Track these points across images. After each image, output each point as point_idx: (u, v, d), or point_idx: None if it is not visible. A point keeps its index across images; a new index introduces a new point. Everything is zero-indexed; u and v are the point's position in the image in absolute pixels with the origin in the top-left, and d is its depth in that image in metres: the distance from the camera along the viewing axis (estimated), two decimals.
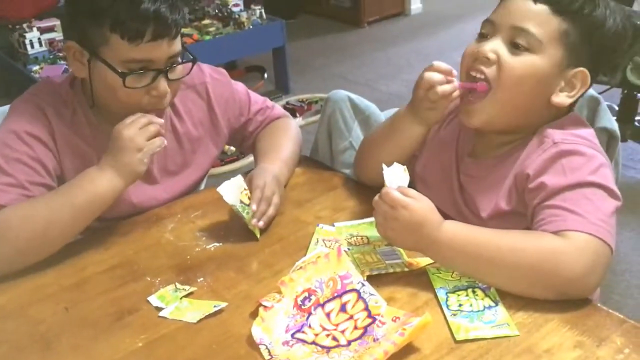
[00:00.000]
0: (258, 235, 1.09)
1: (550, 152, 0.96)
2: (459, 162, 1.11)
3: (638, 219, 2.28)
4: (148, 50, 1.02)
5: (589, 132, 1.01)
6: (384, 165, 0.96)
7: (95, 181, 1.02)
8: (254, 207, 1.08)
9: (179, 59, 1.09)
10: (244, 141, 1.33)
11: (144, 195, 1.17)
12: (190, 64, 1.13)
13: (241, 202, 1.08)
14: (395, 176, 0.95)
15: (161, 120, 1.05)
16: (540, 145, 0.99)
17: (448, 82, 1.01)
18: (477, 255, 0.91)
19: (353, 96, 1.28)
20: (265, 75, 3.70)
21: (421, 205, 0.92)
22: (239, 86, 1.31)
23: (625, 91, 2.49)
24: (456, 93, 1.02)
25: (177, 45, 1.07)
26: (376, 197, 0.95)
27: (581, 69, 0.98)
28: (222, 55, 3.23)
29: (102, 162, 1.04)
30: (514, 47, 0.98)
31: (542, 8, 0.97)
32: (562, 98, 0.99)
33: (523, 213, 0.99)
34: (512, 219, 1.00)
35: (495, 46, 0.98)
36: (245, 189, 1.10)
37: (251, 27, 3.37)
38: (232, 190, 1.08)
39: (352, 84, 3.59)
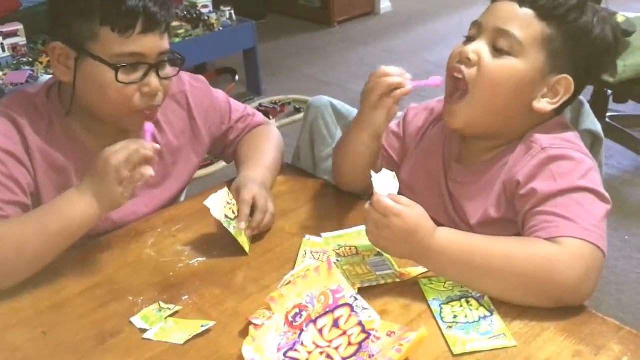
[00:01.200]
0: (247, 249, 1.06)
1: (539, 158, 0.95)
2: (446, 168, 1.09)
3: (612, 215, 2.31)
4: (139, 43, 1.00)
5: (574, 135, 1.01)
6: (372, 172, 0.94)
7: (74, 205, 0.97)
8: (242, 225, 1.04)
9: (170, 67, 1.07)
10: (225, 149, 1.30)
11: (124, 211, 1.12)
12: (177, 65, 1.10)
13: (226, 216, 1.05)
14: (385, 183, 0.93)
15: (155, 146, 1.00)
16: (528, 151, 0.98)
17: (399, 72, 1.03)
18: (470, 262, 0.90)
19: (335, 102, 1.26)
20: (237, 77, 3.65)
21: (414, 213, 0.90)
22: (219, 94, 1.28)
23: (596, 88, 2.52)
24: (407, 89, 1.02)
25: (166, 42, 1.05)
26: (367, 205, 0.93)
27: (565, 75, 0.97)
28: (192, 58, 3.16)
29: (83, 185, 0.98)
30: (496, 50, 0.97)
31: (527, 12, 0.96)
32: (543, 104, 0.99)
33: (512, 220, 0.98)
34: (502, 226, 0.99)
35: (478, 47, 0.98)
36: (229, 202, 1.06)
37: (221, 28, 3.32)
38: (218, 204, 1.05)
39: (325, 85, 3.57)
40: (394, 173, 0.94)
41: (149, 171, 0.97)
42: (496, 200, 1.00)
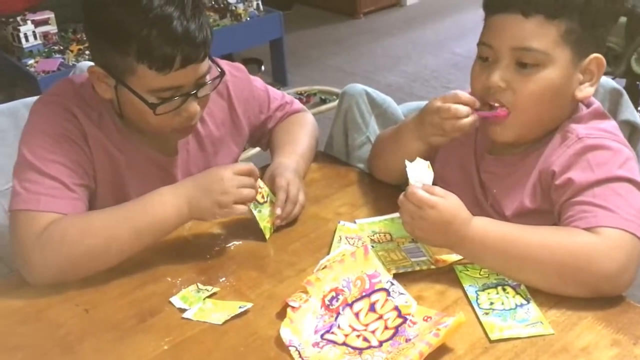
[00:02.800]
0: (267, 236, 1.07)
1: (575, 148, 0.95)
2: (478, 159, 1.09)
3: None
4: (177, 78, 0.97)
5: (612, 125, 1.00)
6: (407, 162, 0.94)
7: (165, 206, 0.98)
8: (278, 211, 1.05)
9: (207, 77, 1.04)
10: (262, 137, 1.31)
11: None
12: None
13: (255, 200, 1.06)
14: (419, 172, 0.93)
15: (262, 186, 1.05)
16: (564, 141, 0.97)
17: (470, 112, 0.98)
18: (507, 251, 0.90)
19: (370, 90, 1.25)
20: (263, 67, 3.66)
21: (449, 203, 0.91)
22: (258, 82, 1.28)
23: (629, 81, 2.49)
24: (468, 123, 0.99)
25: (205, 66, 1.02)
26: (401, 196, 0.93)
27: (595, 55, 0.96)
28: (219, 48, 3.17)
29: (181, 188, 0.99)
30: (522, 67, 0.95)
31: (536, 19, 0.93)
32: (586, 91, 0.98)
33: (548, 211, 0.97)
34: (537, 217, 0.98)
35: (503, 73, 0.96)
36: (260, 188, 1.07)
37: (248, 18, 3.33)
38: None
39: (350, 76, 3.57)
40: (428, 162, 0.94)
41: (245, 210, 1.00)
42: (531, 191, 0.99)
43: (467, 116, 0.98)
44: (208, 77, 1.05)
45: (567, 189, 0.93)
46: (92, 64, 1.07)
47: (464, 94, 1.00)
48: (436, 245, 0.96)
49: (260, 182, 1.08)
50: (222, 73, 1.07)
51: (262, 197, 1.07)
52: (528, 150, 1.02)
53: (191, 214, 1.00)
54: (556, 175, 0.95)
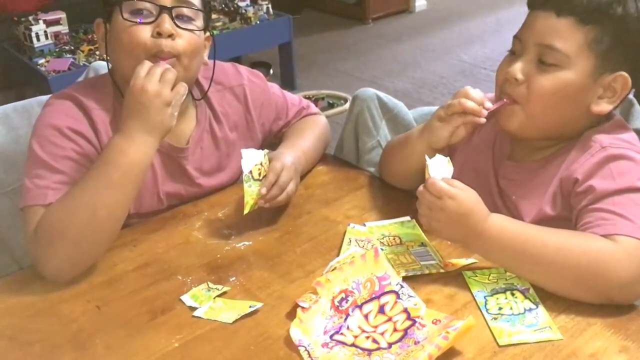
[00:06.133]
0: (245, 211, 1.06)
1: (598, 157, 0.95)
2: (497, 165, 1.09)
3: None
4: None
5: (633, 137, 1.00)
6: (426, 157, 0.95)
7: (126, 152, 0.96)
8: (263, 190, 1.05)
9: (192, 17, 1.07)
10: (278, 143, 1.32)
11: (174, 194, 1.15)
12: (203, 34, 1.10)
13: (251, 172, 1.05)
14: (439, 168, 0.94)
15: (264, 164, 1.05)
16: (587, 150, 0.97)
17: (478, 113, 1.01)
18: (523, 250, 0.90)
19: (381, 94, 1.26)
20: (271, 71, 3.68)
21: (468, 196, 0.91)
22: (275, 89, 1.29)
23: (638, 91, 2.49)
24: (478, 120, 1.01)
25: None
26: (420, 188, 0.94)
27: (621, 73, 0.96)
28: (229, 51, 3.20)
29: (128, 128, 0.97)
30: (542, 64, 0.96)
31: (567, 20, 0.94)
32: (602, 106, 0.98)
33: (568, 218, 0.97)
34: (557, 224, 0.97)
35: (524, 66, 0.97)
36: (262, 164, 1.07)
37: (258, 22, 3.35)
38: (252, 159, 1.06)
39: (358, 81, 3.58)
40: (448, 158, 0.95)
41: (185, 87, 0.99)
42: (552, 198, 0.99)
43: (473, 112, 1.00)
44: (197, 38, 1.07)
45: (588, 195, 0.93)
46: (104, 63, 1.09)
47: (475, 92, 1.01)
48: (452, 239, 0.96)
49: (265, 159, 1.08)
50: (209, 15, 1.11)
51: (259, 174, 1.07)
52: (548, 158, 1.03)
53: (156, 136, 0.98)
54: (579, 182, 0.95)
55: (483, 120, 1.01)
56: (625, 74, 0.96)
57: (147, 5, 1.03)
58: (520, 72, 0.97)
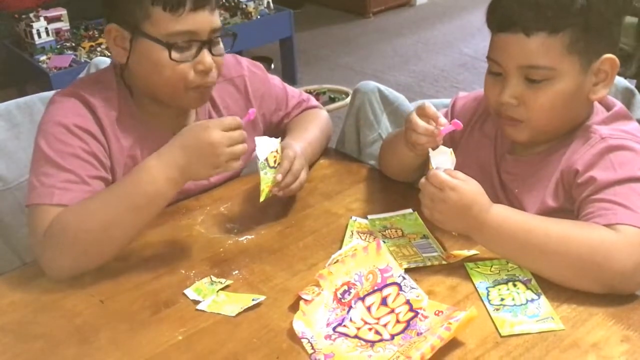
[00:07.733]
0: (262, 199, 1.06)
1: (598, 147, 0.96)
2: (499, 160, 1.09)
3: None
4: (190, 21, 1.02)
5: (635, 127, 1.00)
6: (429, 149, 0.95)
7: (157, 182, 0.96)
8: (279, 177, 1.05)
9: (220, 46, 1.09)
10: (279, 134, 1.32)
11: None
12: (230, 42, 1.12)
13: (266, 159, 1.05)
14: (442, 159, 0.94)
15: (279, 152, 1.04)
16: (587, 141, 0.98)
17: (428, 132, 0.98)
18: (525, 240, 0.90)
19: (382, 87, 1.26)
20: (272, 66, 3.68)
21: (470, 188, 0.91)
22: (276, 80, 1.30)
23: (639, 81, 2.48)
24: (437, 140, 0.98)
25: (217, 18, 1.06)
26: (423, 179, 0.94)
27: (605, 56, 0.96)
28: (230, 45, 3.20)
29: (171, 160, 0.96)
30: (532, 82, 0.96)
31: (539, 37, 0.93)
32: (600, 92, 0.98)
33: (570, 210, 0.97)
34: (559, 216, 0.97)
35: (513, 90, 0.97)
36: (277, 152, 1.07)
37: (259, 17, 3.35)
38: (267, 147, 1.06)
39: (359, 75, 3.57)
40: (450, 149, 0.95)
41: (238, 165, 1.00)
42: (554, 190, 1.00)
43: (424, 133, 0.98)
44: (221, 46, 1.09)
45: (589, 186, 0.94)
46: (107, 59, 1.08)
47: (429, 108, 0.99)
48: (454, 230, 0.96)
49: (278, 147, 1.08)
50: (234, 34, 1.11)
51: (275, 161, 1.07)
52: (549, 151, 1.03)
53: (185, 180, 0.99)
54: (579, 173, 0.96)
55: (437, 143, 0.98)
56: (611, 55, 0.96)
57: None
58: (512, 97, 0.97)
